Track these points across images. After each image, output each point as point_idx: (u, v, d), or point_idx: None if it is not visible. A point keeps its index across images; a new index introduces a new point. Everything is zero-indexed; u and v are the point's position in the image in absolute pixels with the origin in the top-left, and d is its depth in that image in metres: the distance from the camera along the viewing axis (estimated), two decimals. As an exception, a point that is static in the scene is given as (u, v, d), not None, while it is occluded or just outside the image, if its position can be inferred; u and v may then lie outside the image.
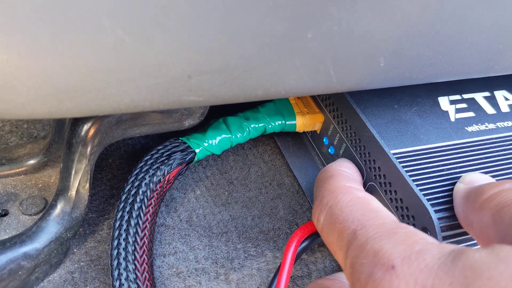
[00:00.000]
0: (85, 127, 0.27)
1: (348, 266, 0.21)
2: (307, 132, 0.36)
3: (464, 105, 0.33)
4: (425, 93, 0.33)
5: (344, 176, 0.27)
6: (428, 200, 0.26)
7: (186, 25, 0.19)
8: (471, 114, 0.33)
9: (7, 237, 0.28)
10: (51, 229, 0.27)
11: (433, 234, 0.25)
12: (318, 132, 0.35)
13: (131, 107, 0.22)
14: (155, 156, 0.30)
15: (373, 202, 0.23)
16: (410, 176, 0.27)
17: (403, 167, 0.27)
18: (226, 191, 0.34)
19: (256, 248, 0.31)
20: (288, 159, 0.36)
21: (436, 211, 0.26)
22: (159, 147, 0.30)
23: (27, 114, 0.21)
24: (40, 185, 0.31)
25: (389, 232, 0.20)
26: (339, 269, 0.31)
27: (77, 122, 0.27)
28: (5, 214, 0.29)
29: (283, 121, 0.33)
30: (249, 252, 0.30)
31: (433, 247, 0.19)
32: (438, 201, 0.26)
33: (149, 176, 0.28)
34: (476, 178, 0.26)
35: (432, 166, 0.28)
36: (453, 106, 0.33)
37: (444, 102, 0.33)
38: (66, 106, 0.21)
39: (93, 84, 0.20)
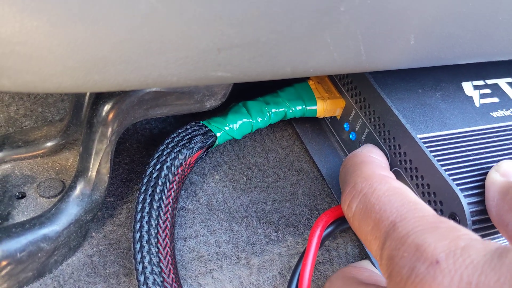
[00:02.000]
0: (107, 106, 0.26)
1: (386, 257, 0.20)
2: (327, 118, 0.35)
3: (488, 91, 0.33)
4: (449, 78, 0.33)
5: (377, 163, 0.26)
6: (457, 185, 0.25)
7: (218, -5, 0.19)
8: (495, 99, 0.32)
9: (25, 219, 0.28)
10: (71, 211, 0.27)
11: (463, 219, 0.25)
12: (338, 117, 0.34)
13: (158, 82, 0.21)
14: (177, 139, 0.29)
15: (410, 193, 0.23)
16: (438, 161, 0.26)
17: (430, 151, 0.27)
18: (245, 176, 0.33)
19: (277, 233, 0.30)
20: (308, 145, 0.35)
21: (465, 196, 0.25)
22: (180, 131, 0.30)
23: (53, 87, 0.20)
24: (57, 168, 0.31)
25: (431, 225, 0.20)
26: (361, 255, 0.30)
27: (98, 101, 0.26)
28: (23, 196, 0.29)
29: (304, 106, 0.33)
30: (270, 237, 0.30)
31: (478, 243, 0.18)
32: (466, 186, 0.26)
33: (170, 159, 0.28)
34: None
35: (459, 151, 0.28)
36: (477, 91, 0.32)
37: (468, 87, 0.32)
38: (93, 79, 0.20)
39: (122, 56, 0.19)
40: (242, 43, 0.21)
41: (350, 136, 0.33)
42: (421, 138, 0.27)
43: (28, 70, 0.19)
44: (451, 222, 0.20)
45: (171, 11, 0.19)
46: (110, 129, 0.26)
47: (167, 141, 0.29)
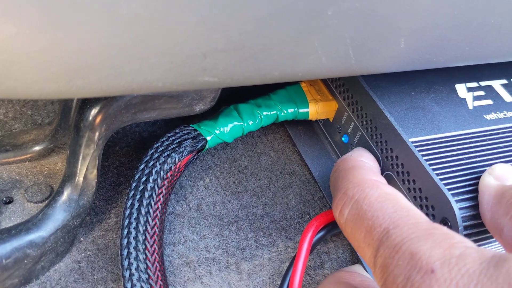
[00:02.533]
0: (93, 111, 0.26)
1: (380, 265, 0.20)
2: (319, 120, 0.35)
3: (481, 93, 0.32)
4: (442, 80, 0.32)
5: (367, 168, 0.26)
6: (449, 189, 0.25)
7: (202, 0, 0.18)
8: (489, 101, 0.32)
9: (12, 224, 0.27)
10: (58, 217, 0.26)
11: (454, 224, 0.24)
12: (331, 120, 0.34)
13: (143, 88, 0.21)
14: (166, 143, 0.29)
15: (402, 199, 0.23)
16: (430, 165, 0.26)
17: (422, 155, 0.26)
18: (236, 180, 0.33)
19: (267, 238, 0.30)
20: (300, 148, 0.35)
21: (457, 201, 0.25)
22: (169, 134, 0.29)
23: (35, 93, 0.20)
24: (45, 172, 0.30)
25: (425, 232, 0.20)
26: (352, 259, 0.30)
27: (85, 105, 0.26)
28: (10, 201, 0.29)
29: (296, 109, 0.32)
30: (261, 242, 0.29)
31: (473, 251, 0.18)
32: (458, 190, 0.26)
33: (159, 164, 0.28)
34: (509, 174, 0.25)
35: (451, 154, 0.27)
36: (471, 93, 0.32)
37: (461, 89, 0.32)
38: (76, 85, 0.20)
39: (105, 62, 0.19)
40: (228, 48, 0.20)
41: (343, 138, 0.32)
42: (413, 142, 0.27)
43: (9, 77, 0.19)
44: (445, 229, 0.20)
45: (154, 16, 0.18)
46: (97, 134, 0.26)
47: (156, 145, 0.29)
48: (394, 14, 0.22)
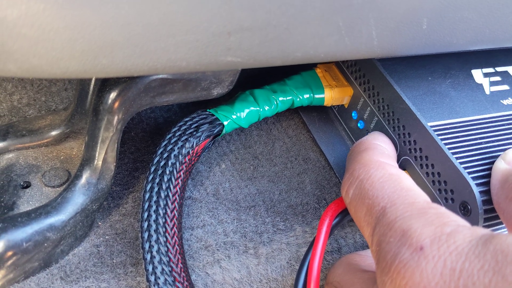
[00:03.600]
0: (113, 94, 0.26)
1: (375, 243, 0.20)
2: (334, 106, 0.35)
3: (498, 78, 0.32)
4: (458, 65, 0.32)
5: (379, 150, 0.26)
6: (468, 173, 0.25)
7: (229, -23, 0.18)
8: (505, 87, 0.32)
9: (30, 208, 0.27)
10: (77, 200, 0.26)
11: (474, 208, 0.24)
12: (346, 106, 0.34)
13: (167, 67, 0.21)
14: (183, 127, 0.29)
15: (405, 179, 0.23)
16: (449, 149, 0.26)
17: (441, 139, 0.26)
18: (252, 166, 0.33)
19: (284, 223, 0.30)
20: (315, 134, 0.35)
21: (477, 185, 0.25)
22: (186, 119, 0.29)
23: (60, 71, 0.20)
24: (62, 157, 0.30)
25: (419, 211, 0.20)
26: (369, 245, 0.30)
27: (104, 88, 0.26)
28: (27, 186, 0.29)
29: (311, 94, 0.32)
30: (278, 226, 0.29)
31: (465, 229, 0.18)
32: (478, 174, 0.25)
33: (178, 148, 0.27)
34: None
35: (470, 139, 0.27)
36: (487, 79, 0.32)
37: (477, 74, 0.32)
38: (101, 63, 0.20)
39: (131, 39, 0.19)
40: (253, 26, 0.20)
41: (358, 124, 0.32)
42: (431, 126, 0.27)
43: (35, 54, 0.19)
44: (441, 208, 0.20)
45: (181, -8, 0.18)
46: (116, 117, 0.26)
47: (174, 129, 0.29)
48: (418, -6, 0.22)
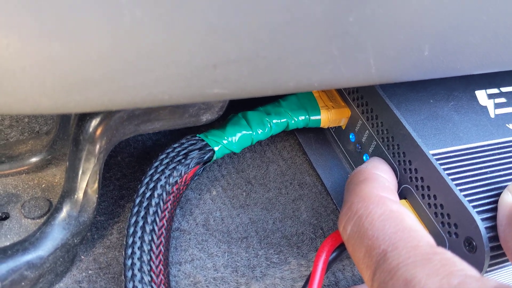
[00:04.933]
0: (94, 122, 0.24)
1: None
2: (331, 127, 0.33)
3: (503, 100, 0.31)
4: (461, 86, 0.31)
5: (379, 182, 0.24)
6: (473, 207, 0.23)
7: (213, 6, 0.17)
8: (511, 109, 0.30)
9: (8, 243, 0.26)
10: (57, 235, 0.25)
11: (480, 245, 0.23)
12: (343, 127, 0.32)
13: (148, 101, 0.19)
14: (171, 155, 0.27)
15: (407, 218, 0.21)
16: (452, 179, 0.24)
17: (444, 169, 0.25)
18: (244, 192, 0.31)
19: (278, 255, 0.28)
20: (311, 157, 0.33)
21: (483, 220, 0.23)
22: (175, 145, 0.28)
23: (30, 109, 0.18)
24: (43, 185, 0.29)
25: (423, 257, 0.18)
26: (368, 277, 0.28)
27: (84, 117, 0.24)
28: (6, 217, 0.27)
29: (307, 116, 0.31)
30: (272, 260, 0.28)
31: (473, 281, 0.17)
32: (483, 208, 0.24)
33: (165, 177, 0.26)
34: None
35: (475, 168, 0.26)
36: (492, 100, 0.30)
37: (482, 96, 0.30)
38: (74, 99, 0.18)
39: (106, 74, 0.17)
40: (240, 58, 0.19)
41: (356, 147, 0.31)
42: (433, 154, 0.25)
43: (1, 92, 0.17)
44: (447, 254, 0.18)
45: (159, 24, 0.17)
46: (97, 147, 0.24)
47: (161, 156, 0.27)
48: (419, 19, 0.20)
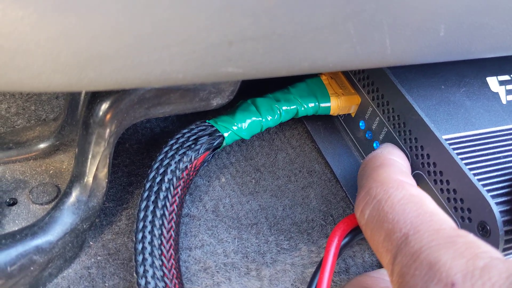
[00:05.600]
0: (104, 106, 0.24)
1: (397, 274, 0.18)
2: (340, 115, 0.33)
3: (514, 86, 0.30)
4: (473, 72, 0.30)
5: (396, 167, 0.24)
6: (487, 191, 0.23)
7: (230, -19, 0.17)
8: (523, 95, 0.30)
9: (16, 228, 0.25)
10: (66, 220, 0.24)
11: (494, 229, 0.23)
12: (353, 115, 0.32)
13: (161, 80, 0.19)
14: (181, 140, 0.27)
15: (428, 202, 0.21)
16: (465, 164, 0.24)
17: (457, 154, 0.25)
18: (253, 179, 0.31)
19: (289, 241, 0.28)
20: (320, 145, 0.33)
21: (497, 204, 0.23)
22: (184, 131, 0.27)
23: (42, 85, 0.18)
24: (51, 171, 0.28)
25: (446, 240, 0.18)
26: (379, 264, 0.28)
27: (94, 100, 0.24)
28: (14, 203, 0.27)
29: (317, 103, 0.30)
30: (282, 246, 0.28)
31: (499, 263, 0.16)
32: (497, 192, 0.24)
33: (175, 162, 0.26)
34: None
35: (488, 153, 0.25)
36: (503, 87, 0.30)
37: (493, 82, 0.30)
38: (88, 76, 0.18)
39: (121, 50, 0.17)
40: (256, 35, 0.18)
41: (366, 135, 0.31)
42: (446, 139, 0.25)
43: (13, 67, 0.17)
44: (470, 236, 0.18)
45: (176, -2, 0.16)
46: (108, 131, 0.24)
47: (171, 142, 0.27)
48: (436, -2, 0.20)
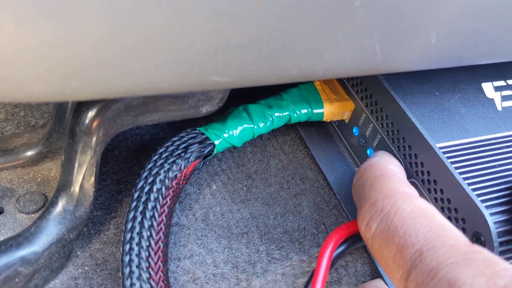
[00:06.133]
0: (90, 113, 0.23)
1: None
2: (333, 121, 0.33)
3: (510, 92, 0.30)
4: (467, 78, 0.30)
5: (398, 177, 0.23)
6: (482, 201, 0.23)
7: (215, -12, 0.16)
8: (518, 102, 0.29)
9: (2, 238, 0.25)
10: (52, 230, 0.24)
11: (488, 240, 0.22)
12: (346, 121, 0.31)
13: (146, 89, 0.19)
14: (171, 148, 0.26)
15: (438, 215, 0.20)
16: (460, 173, 0.24)
17: (451, 163, 0.24)
18: (245, 186, 0.30)
19: (280, 251, 0.27)
20: (313, 151, 0.32)
21: (491, 214, 0.22)
22: (174, 139, 0.27)
23: (23, 96, 0.17)
24: (38, 179, 0.28)
25: (464, 257, 0.17)
26: (372, 273, 0.28)
27: (80, 108, 0.24)
28: (0, 212, 0.26)
29: (310, 109, 0.30)
30: (273, 255, 0.27)
31: None
32: (492, 202, 0.23)
33: (164, 172, 0.25)
34: None
35: (483, 162, 0.25)
36: (499, 93, 0.30)
37: (488, 88, 0.30)
38: (70, 86, 0.17)
39: (104, 59, 0.17)
40: (242, 42, 0.18)
41: (360, 141, 0.30)
42: (440, 148, 0.25)
43: (-8, 77, 0.16)
44: (486, 253, 0.18)
45: (160, 5, 0.16)
46: (94, 139, 0.24)
47: (160, 150, 0.26)
48: (427, 4, 0.20)
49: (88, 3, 0.15)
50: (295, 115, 0.30)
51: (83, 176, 0.24)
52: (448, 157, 0.24)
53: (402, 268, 0.18)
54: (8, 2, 0.14)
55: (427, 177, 0.25)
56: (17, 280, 0.23)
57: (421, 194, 0.25)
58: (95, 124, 0.23)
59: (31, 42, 0.16)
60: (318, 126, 0.33)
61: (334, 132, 0.33)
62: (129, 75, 0.18)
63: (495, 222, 0.22)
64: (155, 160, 0.26)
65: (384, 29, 0.20)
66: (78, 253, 0.26)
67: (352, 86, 0.30)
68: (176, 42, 0.17)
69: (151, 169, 0.25)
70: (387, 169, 0.24)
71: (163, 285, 0.22)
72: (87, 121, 0.23)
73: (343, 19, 0.19)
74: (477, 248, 0.18)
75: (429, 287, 0.17)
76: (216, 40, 0.17)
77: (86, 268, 0.26)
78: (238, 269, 0.26)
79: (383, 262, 0.20)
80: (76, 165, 0.24)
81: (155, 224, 0.24)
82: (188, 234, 0.27)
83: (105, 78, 0.17)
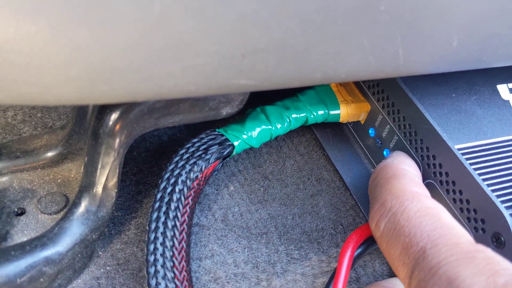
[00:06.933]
0: (114, 116, 0.24)
1: None
2: (349, 122, 0.33)
3: (525, 94, 0.30)
4: (483, 80, 0.30)
5: (409, 177, 0.24)
6: (502, 202, 0.23)
7: (243, -6, 0.16)
8: (534, 103, 0.30)
9: (25, 239, 0.25)
10: (75, 230, 0.24)
11: (508, 240, 0.22)
12: (362, 122, 0.31)
13: (173, 92, 0.19)
14: (191, 150, 0.27)
15: (444, 214, 0.21)
16: (479, 174, 0.24)
17: (470, 164, 0.24)
18: (262, 187, 0.31)
19: (299, 251, 0.28)
20: (329, 152, 0.32)
21: (511, 215, 0.23)
22: (194, 140, 0.27)
23: (53, 99, 0.18)
24: (59, 180, 0.28)
25: (465, 255, 0.18)
26: (390, 273, 0.28)
27: (104, 110, 0.24)
28: (22, 213, 0.26)
29: (326, 111, 0.30)
30: (292, 255, 0.27)
31: None
32: (511, 203, 0.23)
33: (185, 172, 0.25)
34: None
35: (501, 163, 0.25)
36: (515, 94, 0.30)
37: (504, 90, 0.30)
38: (99, 89, 0.17)
39: (133, 63, 0.17)
40: (269, 47, 0.18)
41: (376, 143, 0.30)
42: (459, 149, 0.25)
43: (24, 81, 0.17)
44: (489, 252, 0.18)
45: (189, 11, 0.16)
46: (117, 141, 0.24)
47: (181, 152, 0.27)
48: (449, 8, 0.20)
49: (119, 9, 0.15)
50: (312, 116, 0.30)
51: (106, 177, 0.24)
52: (467, 159, 0.25)
53: (407, 266, 0.19)
54: (44, 8, 0.15)
55: (446, 178, 0.25)
56: (41, 280, 0.23)
57: (439, 195, 0.26)
58: (118, 126, 0.24)
59: (64, 47, 0.16)
60: (333, 127, 0.34)
61: (350, 133, 0.33)
62: (157, 79, 0.18)
63: (515, 223, 0.22)
64: (177, 161, 0.26)
65: (407, 33, 0.20)
66: (100, 253, 0.26)
67: (368, 87, 0.31)
68: (203, 47, 0.17)
69: (173, 170, 0.26)
70: (400, 169, 0.24)
71: (187, 284, 0.23)
72: (110, 123, 0.24)
73: (369, 23, 0.19)
74: (480, 247, 0.18)
75: (429, 283, 0.17)
76: (243, 44, 0.18)
77: (108, 268, 0.26)
78: (258, 269, 0.26)
79: (391, 260, 0.21)
80: (99, 166, 0.24)
81: (178, 224, 0.24)
82: (209, 234, 0.27)
83: (134, 82, 0.18)
